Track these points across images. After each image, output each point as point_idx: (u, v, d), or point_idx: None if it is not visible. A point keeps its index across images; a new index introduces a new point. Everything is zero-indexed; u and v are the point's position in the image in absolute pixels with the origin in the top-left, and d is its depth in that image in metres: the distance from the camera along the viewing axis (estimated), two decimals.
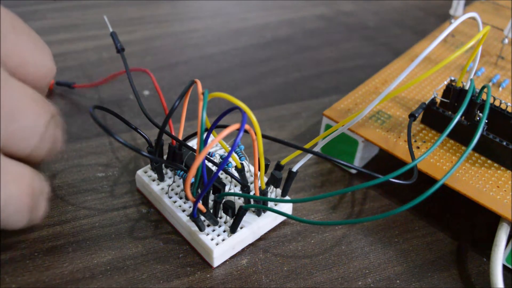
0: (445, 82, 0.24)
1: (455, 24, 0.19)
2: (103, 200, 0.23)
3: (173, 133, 0.23)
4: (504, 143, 0.21)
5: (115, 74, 0.29)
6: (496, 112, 0.22)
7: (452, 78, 0.24)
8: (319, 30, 0.38)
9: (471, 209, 0.23)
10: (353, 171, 0.25)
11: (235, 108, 0.17)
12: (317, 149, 0.20)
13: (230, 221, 0.20)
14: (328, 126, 0.25)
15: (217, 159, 0.22)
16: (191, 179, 0.17)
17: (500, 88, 0.26)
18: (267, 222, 0.21)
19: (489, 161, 0.22)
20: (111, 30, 0.25)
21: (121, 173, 0.24)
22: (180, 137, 0.21)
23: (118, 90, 0.30)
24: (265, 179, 0.22)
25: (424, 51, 0.18)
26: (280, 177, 0.20)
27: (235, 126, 0.16)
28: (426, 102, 0.23)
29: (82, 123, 0.27)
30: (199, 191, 0.19)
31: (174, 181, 0.22)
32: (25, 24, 0.19)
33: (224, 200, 0.20)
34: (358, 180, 0.25)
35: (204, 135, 0.17)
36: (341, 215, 0.23)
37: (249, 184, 0.21)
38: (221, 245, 0.20)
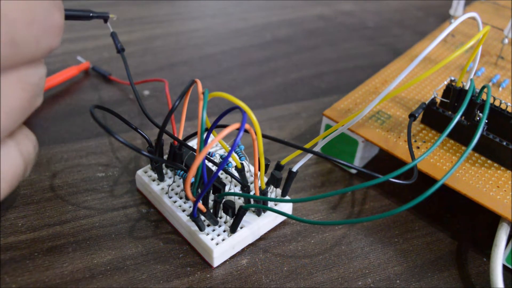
0: (445, 82, 0.24)
1: (455, 24, 0.19)
2: (103, 200, 0.23)
3: (175, 133, 0.23)
4: (504, 143, 0.21)
5: (153, 79, 0.30)
6: (496, 112, 0.22)
7: (452, 78, 0.24)
8: (319, 30, 0.38)
9: (471, 209, 0.23)
10: (353, 171, 0.25)
11: (235, 107, 0.17)
12: (317, 149, 0.20)
13: (230, 221, 0.20)
14: (328, 126, 0.25)
15: (217, 159, 0.22)
16: (191, 178, 0.17)
17: (500, 88, 0.26)
18: (267, 222, 0.21)
19: (489, 161, 0.22)
20: (111, 30, 0.25)
21: (121, 173, 0.24)
22: (180, 137, 0.21)
23: (118, 90, 0.30)
24: (265, 179, 0.22)
25: (424, 51, 0.18)
26: (280, 177, 0.20)
27: (235, 125, 0.16)
28: (426, 102, 0.23)
29: (82, 123, 0.27)
30: (199, 191, 0.19)
31: (174, 181, 0.22)
32: None
33: (224, 200, 0.20)
34: (358, 180, 0.25)
35: (204, 135, 0.17)
36: (341, 215, 0.23)
37: (249, 184, 0.21)
38: (221, 245, 0.20)
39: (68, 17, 0.23)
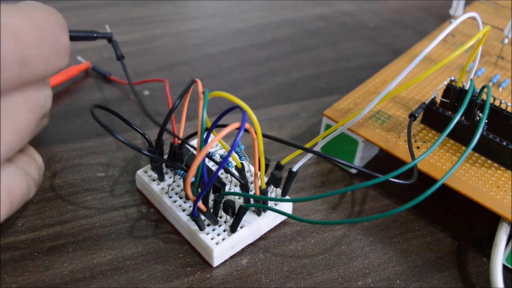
0: (445, 82, 0.24)
1: (455, 24, 0.19)
2: (103, 200, 0.23)
3: (175, 132, 0.23)
4: (504, 143, 0.21)
5: (153, 79, 0.30)
6: (496, 112, 0.22)
7: (452, 78, 0.24)
8: (319, 30, 0.38)
9: (471, 209, 0.23)
10: (353, 171, 0.25)
11: (236, 107, 0.17)
12: (317, 149, 0.20)
13: (230, 220, 0.20)
14: (328, 126, 0.25)
15: (217, 159, 0.22)
16: (191, 178, 0.17)
17: (500, 88, 0.26)
18: (267, 221, 0.21)
19: (489, 161, 0.22)
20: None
21: (121, 173, 0.24)
22: (181, 137, 0.21)
23: (118, 90, 0.30)
24: (265, 179, 0.22)
25: (424, 51, 0.18)
26: (280, 177, 0.20)
27: (235, 125, 0.16)
28: (426, 102, 0.23)
29: (82, 123, 0.27)
30: (199, 190, 0.19)
31: (174, 181, 0.22)
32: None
33: (224, 199, 0.20)
34: (358, 180, 0.25)
35: (204, 135, 0.17)
36: (341, 215, 0.23)
37: (249, 184, 0.21)
38: (221, 245, 0.20)
39: (73, 38, 0.24)
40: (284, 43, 0.36)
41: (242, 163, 0.21)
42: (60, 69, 0.18)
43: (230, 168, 0.21)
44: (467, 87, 0.23)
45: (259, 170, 0.19)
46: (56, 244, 0.20)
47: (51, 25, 0.17)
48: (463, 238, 0.22)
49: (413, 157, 0.20)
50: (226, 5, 0.41)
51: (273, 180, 0.21)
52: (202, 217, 0.20)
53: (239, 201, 0.21)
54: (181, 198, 0.21)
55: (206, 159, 0.22)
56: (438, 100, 0.24)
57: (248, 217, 0.21)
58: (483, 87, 0.21)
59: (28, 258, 0.20)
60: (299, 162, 0.21)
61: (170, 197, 0.21)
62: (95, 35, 0.25)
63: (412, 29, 0.39)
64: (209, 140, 0.18)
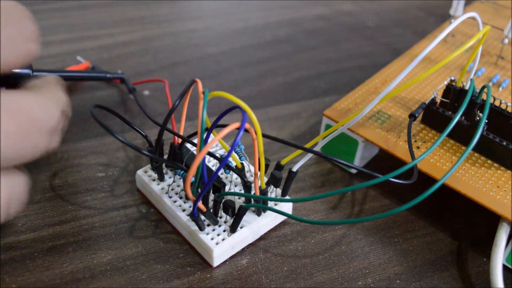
0: (445, 82, 0.24)
1: (455, 24, 0.19)
2: (103, 200, 0.23)
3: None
4: (504, 143, 0.21)
5: (153, 79, 0.30)
6: (496, 112, 0.22)
7: (452, 78, 0.24)
8: (319, 30, 0.38)
9: (471, 209, 0.23)
10: (353, 171, 0.25)
11: (236, 107, 0.17)
12: (317, 149, 0.20)
13: (230, 220, 0.20)
14: (328, 126, 0.25)
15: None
16: (191, 178, 0.17)
17: (500, 88, 0.26)
18: (267, 221, 0.21)
19: (489, 161, 0.22)
20: (121, 75, 0.28)
21: (121, 173, 0.24)
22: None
23: (118, 90, 0.30)
24: (265, 179, 0.22)
25: (424, 51, 0.18)
26: (280, 177, 0.20)
27: (235, 125, 0.16)
28: (426, 102, 0.23)
29: (82, 123, 0.27)
30: (199, 190, 0.19)
31: (174, 181, 0.22)
32: None
33: (224, 199, 0.20)
34: (358, 180, 0.25)
35: (204, 135, 0.17)
36: (341, 215, 0.23)
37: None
38: (221, 245, 0.20)
39: (86, 78, 0.27)
40: (284, 43, 0.36)
41: (242, 163, 0.21)
42: (33, 56, 0.17)
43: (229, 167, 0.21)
44: (467, 87, 0.23)
45: (259, 170, 0.19)
46: (56, 244, 0.20)
47: (9, 10, 0.16)
48: (463, 238, 0.22)
49: (413, 157, 0.20)
50: (226, 5, 0.41)
51: (273, 180, 0.21)
52: (202, 217, 0.20)
53: (239, 201, 0.21)
54: (181, 198, 0.21)
55: (207, 158, 0.22)
56: (438, 100, 0.24)
57: (248, 217, 0.21)
58: (483, 87, 0.21)
59: (28, 258, 0.20)
60: (299, 162, 0.21)
61: (170, 197, 0.21)
62: (107, 75, 0.26)
63: (412, 29, 0.39)
64: (209, 140, 0.18)
